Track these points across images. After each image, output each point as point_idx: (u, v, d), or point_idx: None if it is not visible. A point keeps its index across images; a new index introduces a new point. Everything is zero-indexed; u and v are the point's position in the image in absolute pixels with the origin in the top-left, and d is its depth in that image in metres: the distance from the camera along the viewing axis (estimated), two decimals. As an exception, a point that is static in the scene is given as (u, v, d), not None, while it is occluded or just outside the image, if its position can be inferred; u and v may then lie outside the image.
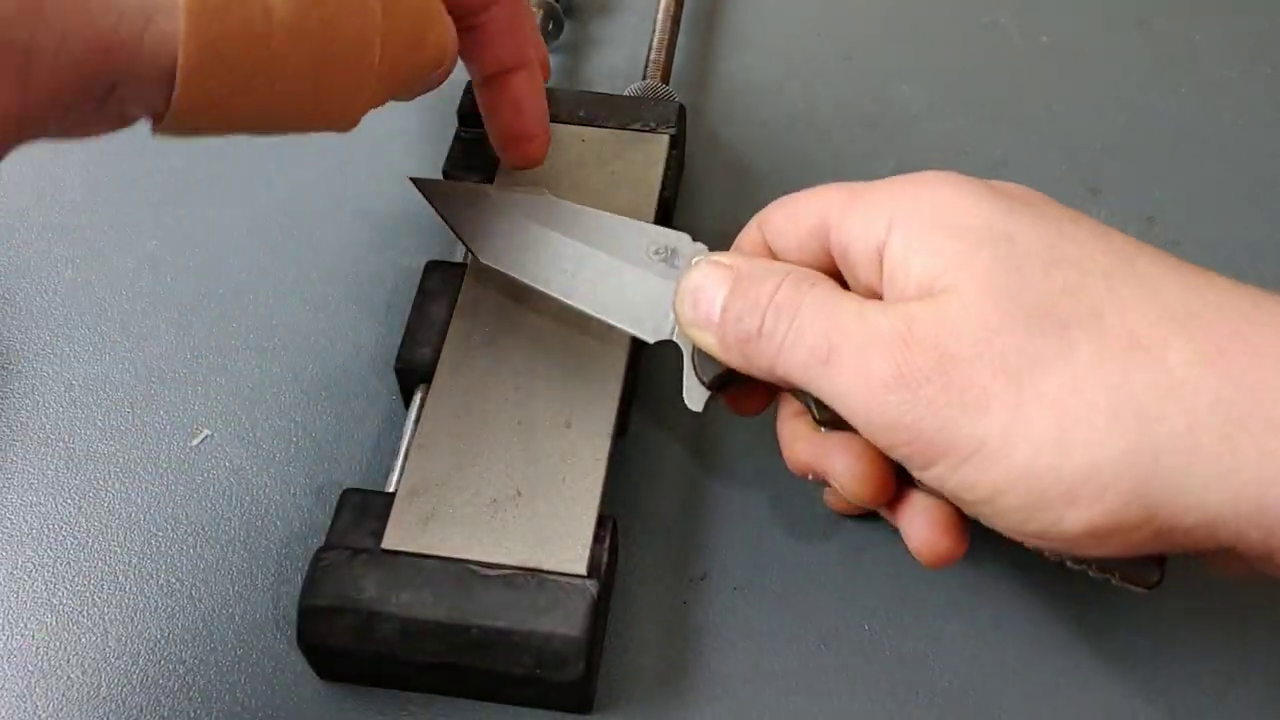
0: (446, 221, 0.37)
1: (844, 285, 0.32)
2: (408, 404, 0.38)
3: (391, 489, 0.34)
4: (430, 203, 0.38)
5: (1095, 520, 0.26)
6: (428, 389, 0.36)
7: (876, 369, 0.28)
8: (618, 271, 0.35)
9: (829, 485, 0.33)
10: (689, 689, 0.34)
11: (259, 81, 0.27)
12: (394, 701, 0.34)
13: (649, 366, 0.41)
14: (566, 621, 0.31)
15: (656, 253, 0.35)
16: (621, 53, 0.53)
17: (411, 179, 0.38)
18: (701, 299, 0.32)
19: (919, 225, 0.29)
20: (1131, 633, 0.36)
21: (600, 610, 0.32)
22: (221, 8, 0.25)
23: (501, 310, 0.38)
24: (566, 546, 0.33)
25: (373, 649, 0.31)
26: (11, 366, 0.41)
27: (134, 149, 0.47)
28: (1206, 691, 0.34)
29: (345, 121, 0.30)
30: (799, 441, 0.33)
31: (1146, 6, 0.55)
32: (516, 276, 0.36)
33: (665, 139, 0.43)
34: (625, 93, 0.46)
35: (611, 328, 0.36)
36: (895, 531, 0.37)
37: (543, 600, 0.32)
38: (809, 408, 0.32)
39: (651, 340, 0.35)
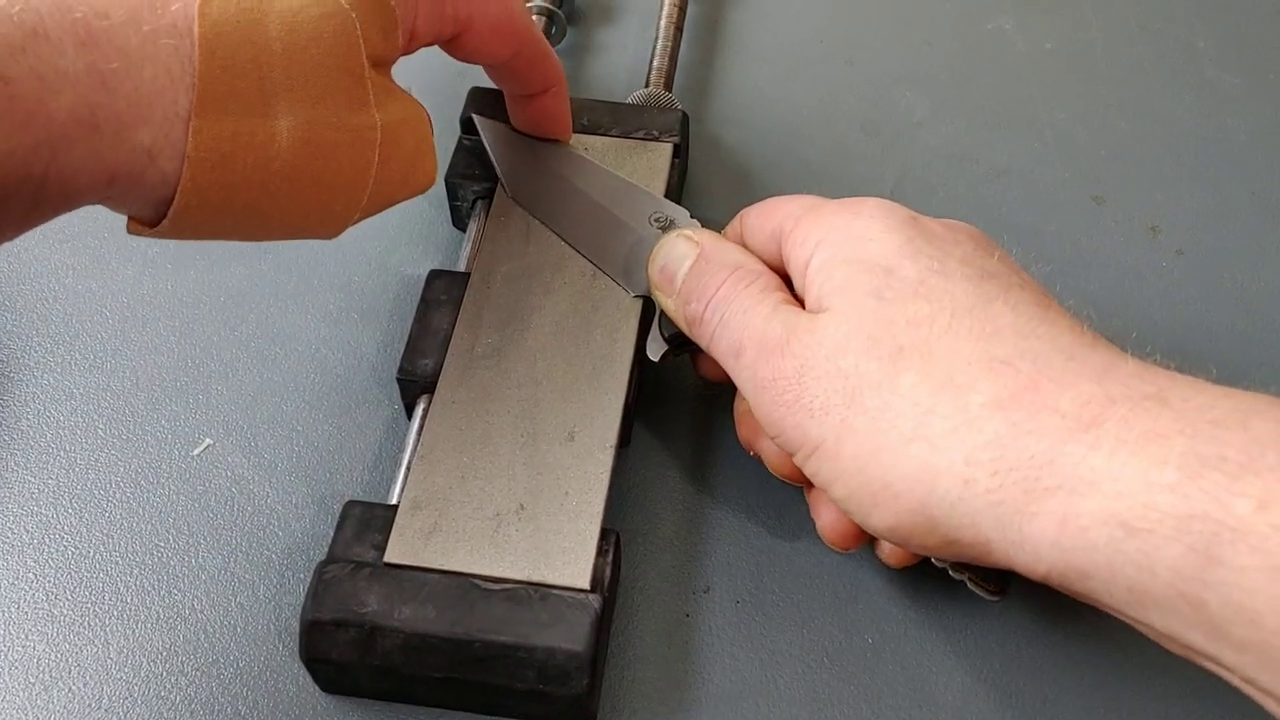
0: (491, 157, 0.42)
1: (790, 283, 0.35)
2: (410, 414, 0.37)
3: (394, 501, 0.34)
4: (482, 137, 0.42)
5: (890, 523, 0.30)
6: (430, 399, 0.36)
7: (761, 371, 0.32)
8: (621, 229, 0.39)
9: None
10: (692, 703, 0.34)
11: (246, 217, 0.29)
12: (397, 715, 0.34)
13: (652, 379, 0.41)
14: (569, 636, 0.31)
15: (656, 219, 0.39)
16: (624, 60, 0.53)
17: (474, 116, 0.42)
18: (668, 268, 0.36)
19: (833, 251, 0.33)
20: (1128, 649, 0.36)
21: (603, 624, 0.32)
22: (224, 159, 0.27)
23: (504, 321, 0.38)
24: (569, 560, 0.33)
25: (375, 663, 0.31)
26: (12, 375, 0.41)
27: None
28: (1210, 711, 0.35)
29: (328, 237, 0.33)
30: (744, 419, 0.37)
31: (1150, 13, 0.55)
32: (535, 217, 0.41)
33: (668, 147, 0.43)
34: (628, 100, 0.46)
35: (615, 338, 0.37)
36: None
37: (546, 615, 0.32)
38: None
39: (633, 294, 0.39)
